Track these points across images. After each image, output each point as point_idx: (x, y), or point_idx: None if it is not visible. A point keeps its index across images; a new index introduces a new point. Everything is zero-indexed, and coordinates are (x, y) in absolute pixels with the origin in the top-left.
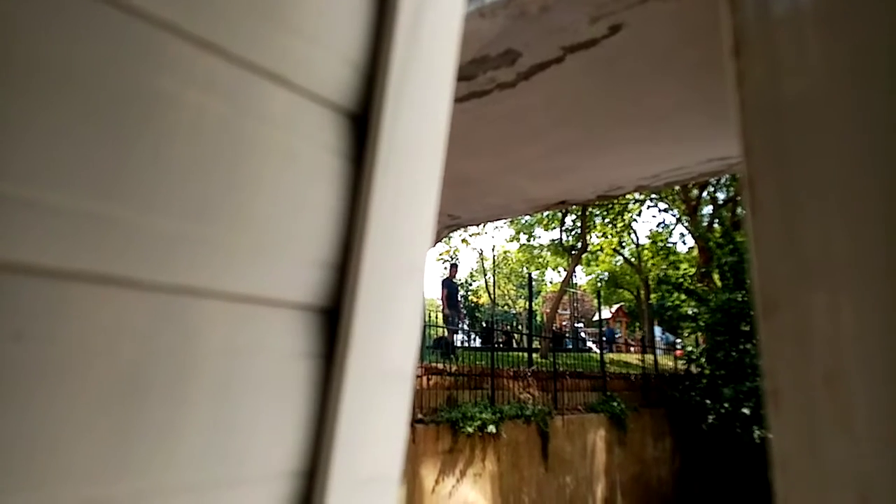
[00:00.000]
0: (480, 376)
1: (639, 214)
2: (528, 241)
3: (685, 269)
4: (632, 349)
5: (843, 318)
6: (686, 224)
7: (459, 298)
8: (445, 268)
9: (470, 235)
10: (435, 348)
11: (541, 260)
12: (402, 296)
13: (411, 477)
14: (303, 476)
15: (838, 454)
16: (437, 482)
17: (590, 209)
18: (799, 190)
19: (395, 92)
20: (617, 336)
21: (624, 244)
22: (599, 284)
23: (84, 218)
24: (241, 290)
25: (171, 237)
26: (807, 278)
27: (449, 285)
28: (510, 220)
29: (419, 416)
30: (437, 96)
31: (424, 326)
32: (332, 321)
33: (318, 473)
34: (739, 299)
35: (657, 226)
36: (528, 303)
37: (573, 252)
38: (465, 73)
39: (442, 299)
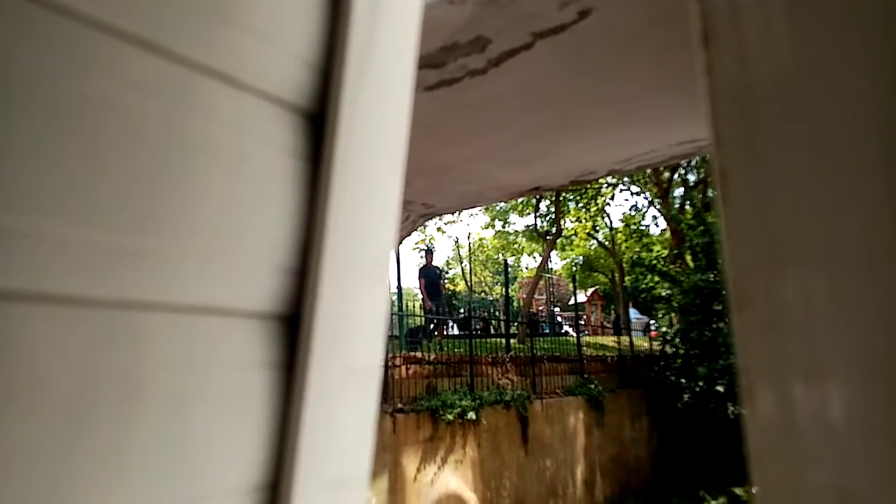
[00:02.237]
0: (459, 364)
1: (612, 198)
2: (504, 227)
3: (658, 251)
4: (609, 331)
5: (819, 312)
6: (658, 207)
7: (441, 284)
8: (421, 256)
9: (445, 224)
10: (411, 339)
11: (516, 246)
12: (367, 295)
13: (393, 467)
14: (265, 489)
15: (816, 450)
16: (418, 470)
17: (563, 194)
18: (772, 180)
19: (352, 89)
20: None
21: (598, 228)
22: (575, 269)
23: (13, 234)
24: (192, 300)
25: (113, 249)
26: (781, 271)
27: (426, 273)
28: (485, 207)
29: (399, 405)
30: (397, 91)
31: (402, 316)
32: (292, 328)
33: (282, 485)
34: (711, 279)
35: (630, 209)
36: (504, 289)
37: (548, 237)
38: (435, 61)
39: (420, 289)
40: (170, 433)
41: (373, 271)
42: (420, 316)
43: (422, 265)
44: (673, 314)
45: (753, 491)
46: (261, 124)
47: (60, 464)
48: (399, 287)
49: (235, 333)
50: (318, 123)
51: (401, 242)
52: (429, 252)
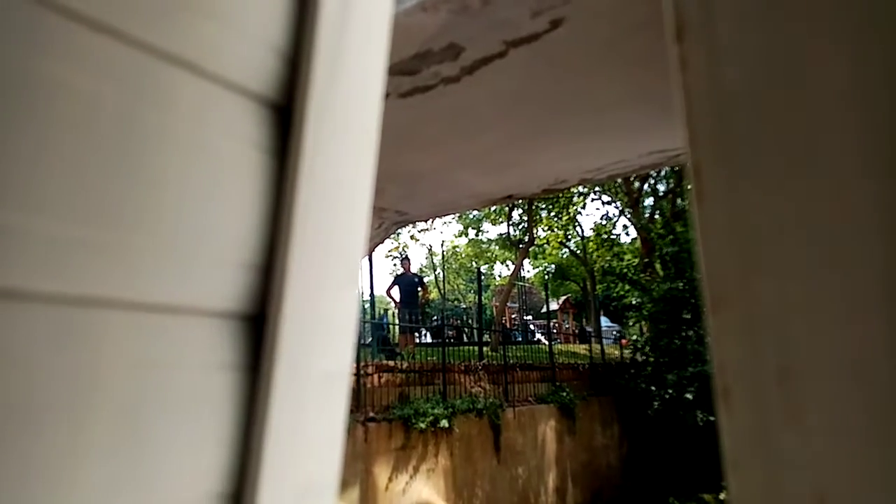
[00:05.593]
0: (432, 372)
1: (583, 207)
2: (477, 235)
3: (629, 260)
4: (578, 340)
5: (794, 312)
6: (629, 216)
7: (419, 292)
8: (395, 264)
9: (419, 231)
10: (383, 347)
11: (489, 254)
12: (336, 295)
13: (364, 476)
14: (228, 498)
15: (792, 453)
16: (390, 480)
17: (536, 203)
18: (746, 178)
19: (322, 81)
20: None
21: (569, 237)
22: (547, 277)
23: None
24: (150, 298)
25: (65, 241)
26: (756, 271)
27: (400, 281)
28: (458, 215)
29: (371, 414)
30: (368, 88)
31: (374, 324)
32: (257, 328)
33: (246, 493)
34: (680, 288)
35: (601, 218)
36: (477, 297)
37: (520, 246)
38: (409, 68)
39: (394, 296)
40: (125, 438)
41: (342, 271)
42: (394, 324)
43: (398, 273)
44: (643, 322)
45: (727, 496)
46: (224, 114)
47: (3, 469)
48: (372, 294)
49: (197, 333)
50: (285, 116)
51: (374, 249)
52: (405, 260)
